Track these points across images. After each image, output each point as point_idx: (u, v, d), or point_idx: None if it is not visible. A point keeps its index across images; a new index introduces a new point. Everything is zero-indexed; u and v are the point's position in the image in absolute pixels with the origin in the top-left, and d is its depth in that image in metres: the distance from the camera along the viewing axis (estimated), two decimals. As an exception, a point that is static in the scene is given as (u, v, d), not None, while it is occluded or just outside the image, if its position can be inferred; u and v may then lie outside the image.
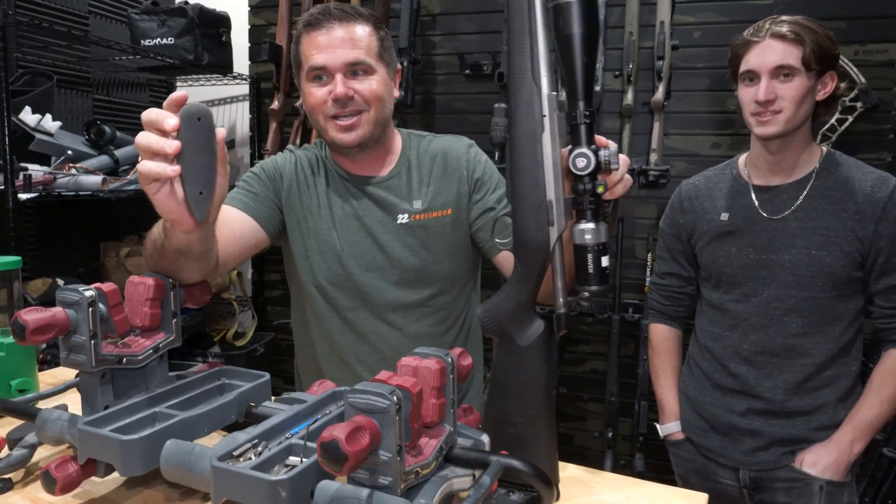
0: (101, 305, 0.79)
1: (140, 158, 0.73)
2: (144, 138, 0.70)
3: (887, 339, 1.30)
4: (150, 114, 0.71)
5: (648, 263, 2.14)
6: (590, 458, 2.35)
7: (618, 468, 2.20)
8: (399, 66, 1.23)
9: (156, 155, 0.70)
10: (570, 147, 0.73)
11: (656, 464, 2.14)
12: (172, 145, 0.69)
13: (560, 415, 2.31)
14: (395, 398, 0.59)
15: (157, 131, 0.70)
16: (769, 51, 1.24)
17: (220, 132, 0.74)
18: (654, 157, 2.08)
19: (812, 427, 1.31)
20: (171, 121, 0.70)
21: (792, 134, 1.28)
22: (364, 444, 0.55)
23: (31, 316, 0.73)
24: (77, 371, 0.80)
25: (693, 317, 1.52)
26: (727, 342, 1.37)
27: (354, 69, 1.10)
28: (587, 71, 0.71)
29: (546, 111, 0.72)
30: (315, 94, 1.12)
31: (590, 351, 2.33)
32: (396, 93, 1.20)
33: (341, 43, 1.10)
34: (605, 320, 2.21)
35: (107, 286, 0.80)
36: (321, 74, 1.11)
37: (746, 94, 1.29)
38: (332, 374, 1.23)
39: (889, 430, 1.45)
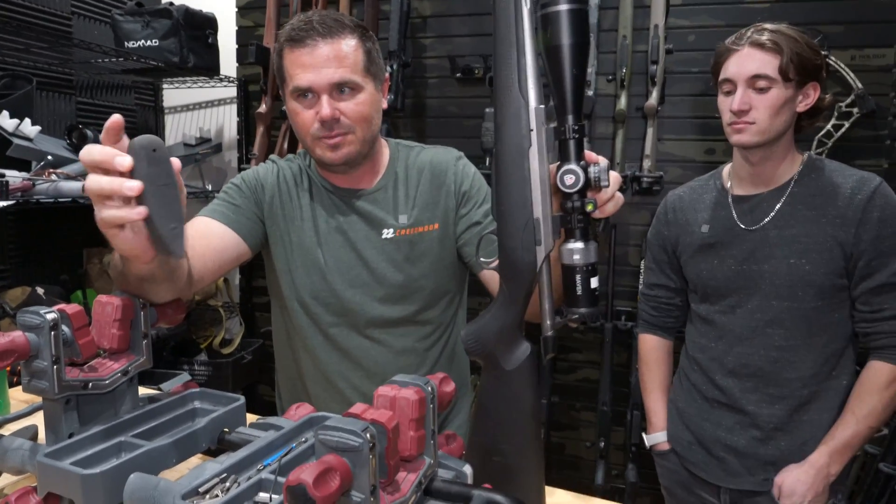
0: (64, 328, 0.75)
1: (94, 204, 0.66)
2: (96, 183, 0.64)
3: (868, 345, 1.26)
4: (92, 154, 0.64)
5: (642, 270, 2.11)
6: (582, 468, 2.31)
7: (610, 479, 2.16)
8: (388, 73, 1.18)
9: (109, 198, 0.64)
10: (558, 163, 0.70)
11: (650, 474, 2.10)
12: (133, 187, 0.63)
13: (552, 424, 2.27)
14: (368, 435, 0.55)
15: (104, 172, 0.64)
16: (747, 59, 1.22)
17: (176, 162, 0.68)
18: (647, 163, 2.05)
19: (798, 445, 1.27)
20: (123, 160, 0.63)
21: (772, 144, 1.26)
22: (334, 487, 0.51)
23: (-12, 341, 0.69)
24: (41, 396, 0.76)
25: (685, 327, 1.49)
26: (713, 354, 1.35)
27: (342, 87, 1.06)
28: (577, 83, 0.68)
29: (534, 125, 0.69)
30: (302, 114, 1.07)
31: (582, 359, 2.29)
32: (385, 103, 1.15)
33: (326, 62, 1.04)
34: (598, 328, 2.18)
35: (71, 307, 0.76)
36: (307, 93, 1.06)
37: (724, 103, 1.28)
38: (315, 392, 1.19)
39: (886, 445, 1.42)
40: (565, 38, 0.66)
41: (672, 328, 1.52)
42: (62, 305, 0.76)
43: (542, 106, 0.69)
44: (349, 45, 1.06)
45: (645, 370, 1.54)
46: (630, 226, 2.20)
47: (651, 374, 1.52)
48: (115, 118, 0.65)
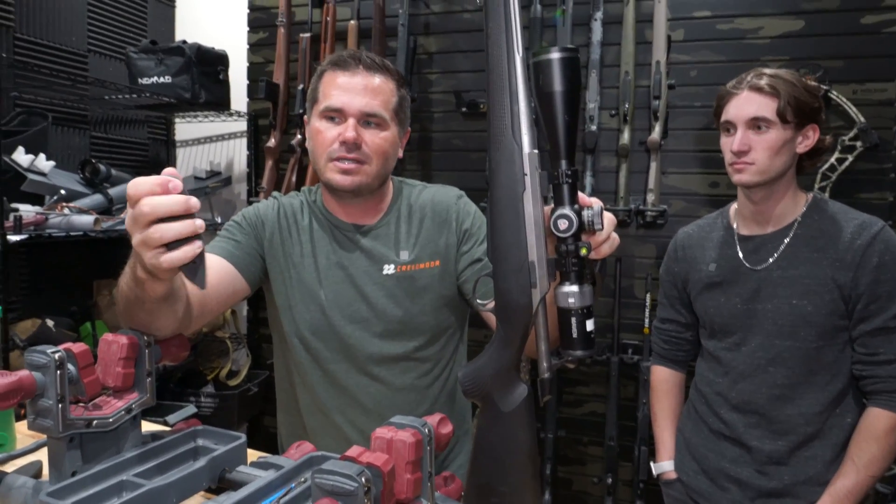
0: (70, 367, 0.77)
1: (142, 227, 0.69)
2: (165, 203, 0.68)
3: (865, 388, 1.26)
4: (146, 183, 0.69)
5: (647, 303, 2.11)
6: (590, 504, 2.28)
7: (618, 515, 2.14)
8: (408, 129, 1.21)
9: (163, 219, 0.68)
10: (552, 206, 0.71)
11: (658, 510, 2.08)
12: (196, 203, 0.70)
13: (559, 458, 2.25)
14: (363, 479, 0.56)
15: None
16: (746, 103, 1.26)
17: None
18: (651, 197, 2.06)
19: (800, 479, 1.27)
20: (178, 182, 0.70)
21: (773, 184, 1.28)
22: (328, 532, 0.52)
23: (-5, 381, 0.70)
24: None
25: (696, 360, 1.51)
26: (718, 388, 1.37)
27: (368, 119, 1.10)
28: (569, 129, 0.69)
29: (527, 170, 0.70)
30: (324, 132, 1.10)
31: (589, 392, 2.28)
32: (400, 153, 1.19)
33: (362, 90, 1.09)
34: (604, 361, 2.17)
35: (77, 346, 0.78)
36: (335, 116, 1.10)
37: (725, 144, 1.32)
38: (314, 427, 1.19)
39: (896, 484, 1.40)
40: (557, 86, 0.68)
41: (683, 361, 1.55)
42: (68, 344, 0.78)
43: (536, 151, 0.70)
44: (387, 84, 1.12)
45: (655, 401, 1.56)
46: (635, 259, 2.20)
47: (661, 405, 1.54)
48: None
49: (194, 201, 0.70)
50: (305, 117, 1.19)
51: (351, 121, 1.08)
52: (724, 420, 1.35)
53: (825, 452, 1.26)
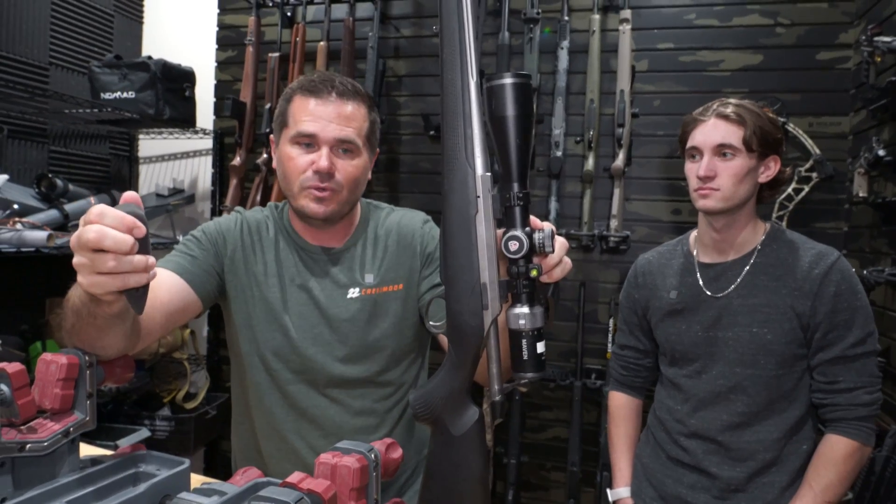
0: (3, 387, 0.73)
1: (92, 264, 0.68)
2: (123, 241, 0.67)
3: (825, 416, 1.28)
4: (111, 216, 0.67)
5: (610, 329, 2.12)
6: (552, 531, 2.26)
7: (580, 541, 2.12)
8: (377, 150, 1.21)
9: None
10: (504, 229, 0.71)
11: (619, 537, 2.07)
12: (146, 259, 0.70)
13: (522, 484, 2.23)
14: (301, 507, 0.54)
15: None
16: (713, 129, 1.28)
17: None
18: (614, 223, 2.09)
19: None
20: (141, 229, 0.69)
21: (735, 211, 1.30)
22: (262, 562, 0.50)
23: (-81, 402, 0.67)
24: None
25: (654, 386, 1.51)
26: (678, 416, 1.37)
27: (342, 147, 1.09)
28: (521, 153, 0.70)
29: (480, 192, 0.70)
30: (296, 159, 1.08)
31: (552, 417, 2.28)
32: (369, 175, 1.18)
33: (336, 117, 1.07)
34: (567, 386, 2.16)
35: (11, 366, 0.74)
36: (308, 142, 1.08)
37: (691, 170, 1.33)
38: (269, 450, 1.16)
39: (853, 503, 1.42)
40: (509, 110, 0.69)
41: (641, 387, 1.55)
42: (2, 364, 0.74)
43: (489, 173, 0.70)
44: (359, 110, 1.11)
45: (612, 426, 1.56)
46: (599, 284, 2.22)
47: (618, 431, 1.54)
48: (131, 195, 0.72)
49: (136, 246, 0.69)
50: (272, 137, 1.17)
51: (325, 149, 1.07)
52: (682, 447, 1.35)
53: (782, 479, 1.27)
